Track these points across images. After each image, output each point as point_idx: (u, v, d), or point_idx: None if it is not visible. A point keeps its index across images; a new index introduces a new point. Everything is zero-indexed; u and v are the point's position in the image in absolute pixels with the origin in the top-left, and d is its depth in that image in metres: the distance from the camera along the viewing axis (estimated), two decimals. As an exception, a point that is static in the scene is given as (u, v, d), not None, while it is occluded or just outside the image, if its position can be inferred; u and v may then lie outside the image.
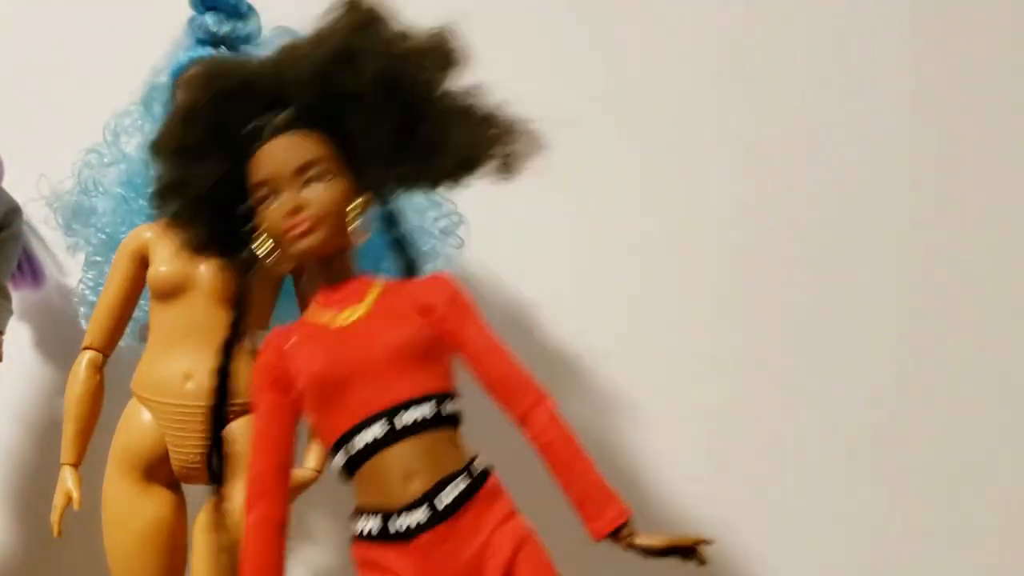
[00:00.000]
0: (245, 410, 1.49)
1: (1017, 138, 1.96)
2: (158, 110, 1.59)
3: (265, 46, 1.57)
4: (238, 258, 1.34)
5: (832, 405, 1.93)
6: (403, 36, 1.27)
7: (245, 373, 1.50)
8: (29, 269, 1.81)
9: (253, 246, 1.30)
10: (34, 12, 1.93)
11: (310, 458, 1.46)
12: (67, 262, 1.84)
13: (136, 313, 1.60)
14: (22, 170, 1.68)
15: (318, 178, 1.25)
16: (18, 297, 1.82)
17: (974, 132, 1.96)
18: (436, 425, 1.23)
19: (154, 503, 1.51)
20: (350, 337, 1.25)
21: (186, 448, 1.50)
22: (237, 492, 1.47)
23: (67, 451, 1.55)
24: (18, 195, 1.67)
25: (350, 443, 1.23)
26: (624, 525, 1.22)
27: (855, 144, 1.97)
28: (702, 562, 1.22)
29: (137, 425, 1.51)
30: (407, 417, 1.21)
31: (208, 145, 1.27)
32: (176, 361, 1.50)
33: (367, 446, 1.22)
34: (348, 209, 1.27)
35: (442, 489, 1.21)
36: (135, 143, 1.63)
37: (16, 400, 1.89)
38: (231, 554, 1.46)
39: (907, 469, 1.92)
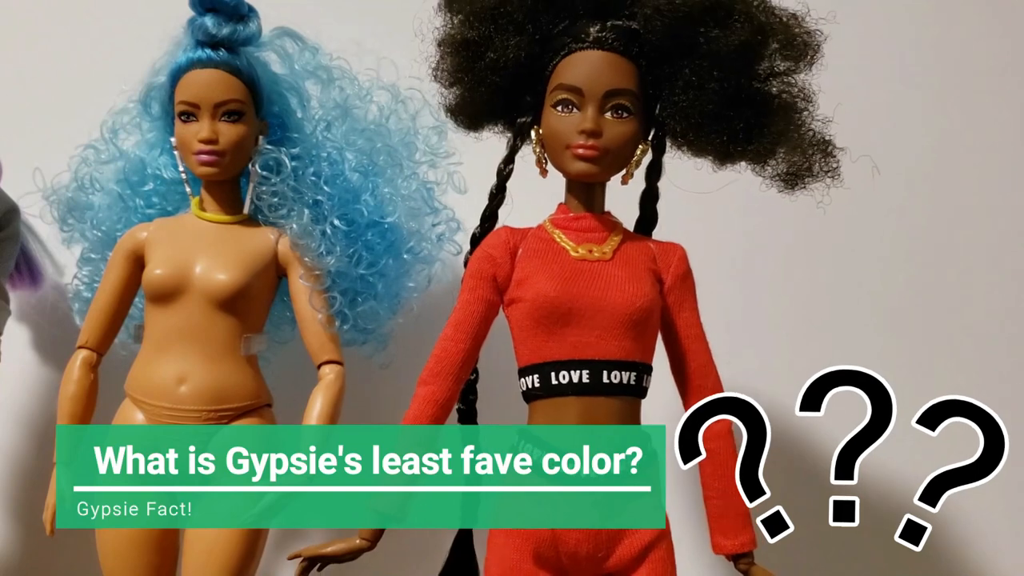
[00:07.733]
0: (242, 413, 1.51)
1: None
2: (156, 109, 1.58)
3: (266, 47, 1.57)
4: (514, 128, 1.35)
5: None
6: (775, 14, 1.26)
7: (237, 379, 1.51)
8: (27, 270, 1.80)
9: (528, 143, 1.34)
10: (33, 7, 1.92)
11: None
12: (63, 259, 1.82)
13: (132, 311, 1.59)
14: (17, 164, 1.67)
15: (619, 109, 1.27)
16: (16, 298, 1.82)
17: None
18: (632, 393, 1.28)
19: (146, 504, 1.50)
20: (588, 275, 1.28)
21: (178, 451, 1.49)
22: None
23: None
24: (12, 190, 1.67)
25: (550, 373, 1.26)
26: (750, 553, 1.31)
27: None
28: None
29: (131, 426, 1.50)
30: (614, 375, 1.25)
31: (528, 20, 1.28)
32: (170, 364, 1.48)
33: (569, 385, 1.26)
34: (636, 151, 1.31)
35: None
36: (133, 141, 1.63)
37: (14, 401, 1.88)
38: (223, 554, 1.46)
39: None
